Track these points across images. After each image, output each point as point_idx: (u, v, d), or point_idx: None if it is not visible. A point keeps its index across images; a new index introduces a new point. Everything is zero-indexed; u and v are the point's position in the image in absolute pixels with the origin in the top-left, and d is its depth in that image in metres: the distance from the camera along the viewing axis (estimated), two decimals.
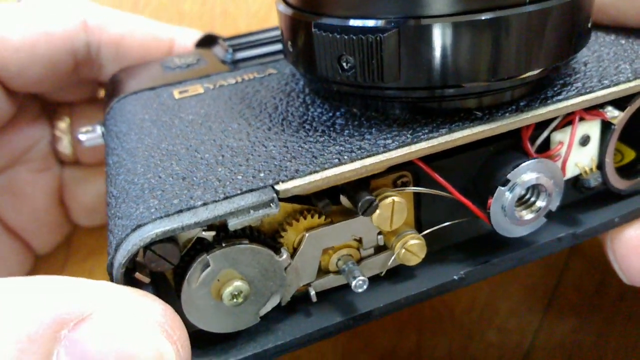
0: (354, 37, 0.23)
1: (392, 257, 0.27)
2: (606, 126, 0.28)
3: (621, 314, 0.50)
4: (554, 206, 0.28)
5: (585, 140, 0.28)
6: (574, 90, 0.26)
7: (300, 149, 0.25)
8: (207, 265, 0.23)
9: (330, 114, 0.27)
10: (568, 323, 0.52)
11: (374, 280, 0.28)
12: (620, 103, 0.28)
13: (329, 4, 0.24)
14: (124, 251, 0.21)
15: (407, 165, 0.26)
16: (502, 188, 0.26)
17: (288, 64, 0.34)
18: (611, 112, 0.28)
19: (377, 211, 0.25)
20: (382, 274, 0.28)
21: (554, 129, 0.28)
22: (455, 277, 0.28)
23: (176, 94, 0.32)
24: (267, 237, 0.25)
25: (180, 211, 0.22)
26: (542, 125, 0.28)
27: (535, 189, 0.27)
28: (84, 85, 0.42)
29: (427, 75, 0.24)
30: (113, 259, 0.22)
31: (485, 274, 0.28)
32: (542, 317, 0.52)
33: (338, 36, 0.24)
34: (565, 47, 0.25)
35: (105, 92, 0.39)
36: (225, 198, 0.22)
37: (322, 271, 0.27)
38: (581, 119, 0.28)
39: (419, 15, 0.23)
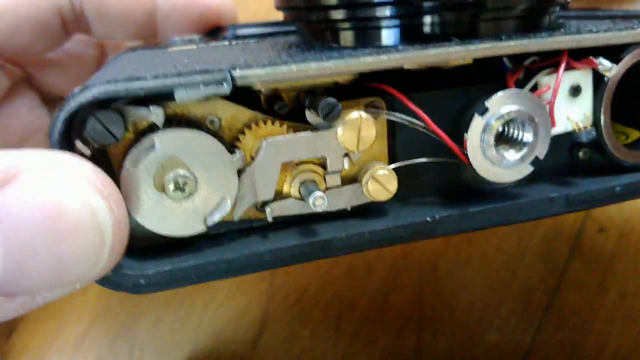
0: None
1: (360, 190, 0.25)
2: (599, 79, 0.27)
3: (621, 314, 0.49)
4: (541, 152, 0.26)
5: (575, 90, 0.27)
6: (560, 32, 0.26)
7: (269, 56, 0.24)
8: (152, 145, 0.22)
9: (309, 47, 0.27)
10: (568, 323, 0.50)
11: (339, 216, 0.26)
12: (613, 56, 0.26)
13: None
14: (64, 111, 0.21)
15: (382, 95, 0.25)
16: (480, 117, 0.24)
17: (285, 39, 0.35)
18: (604, 65, 0.26)
19: (342, 125, 0.24)
20: (349, 209, 0.26)
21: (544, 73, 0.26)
22: (428, 219, 0.25)
23: (170, 50, 0.33)
24: (225, 143, 0.24)
25: (130, 79, 0.21)
26: (532, 74, 0.27)
27: (517, 124, 0.25)
28: (78, 46, 0.43)
29: None
30: (54, 120, 0.21)
31: (463, 223, 0.26)
32: (542, 317, 0.50)
33: None
34: None
35: None
36: (179, 74, 0.22)
37: (283, 197, 0.25)
38: (571, 68, 0.26)
39: None
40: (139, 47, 0.38)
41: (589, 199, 0.27)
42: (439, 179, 0.27)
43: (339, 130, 0.24)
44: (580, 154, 0.28)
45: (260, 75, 0.22)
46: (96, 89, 0.21)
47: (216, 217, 0.23)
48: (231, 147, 0.24)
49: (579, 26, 0.27)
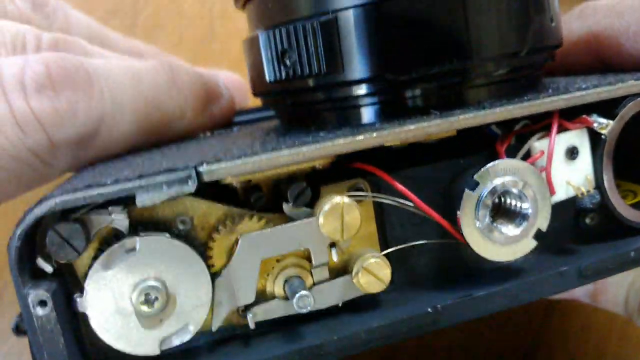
0: (292, 28, 0.23)
1: (351, 282, 0.23)
2: (596, 137, 0.25)
3: (621, 316, 0.45)
4: (542, 224, 0.24)
5: (572, 153, 0.25)
6: (547, 93, 0.24)
7: (237, 145, 0.23)
8: (131, 249, 0.20)
9: (283, 129, 0.26)
10: (569, 323, 0.48)
11: (332, 313, 0.23)
12: (608, 111, 0.25)
13: (269, 14, 0.25)
14: (22, 227, 0.19)
15: (364, 176, 0.24)
16: (472, 192, 0.23)
17: (267, 124, 0.34)
18: (599, 122, 0.25)
19: (323, 213, 0.22)
20: (340, 305, 0.23)
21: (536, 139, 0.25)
22: (429, 310, 0.23)
23: None
24: (199, 243, 0.22)
25: (89, 186, 0.20)
26: (524, 137, 0.25)
27: (513, 195, 0.23)
28: None
29: (374, 63, 0.23)
30: (11, 238, 0.19)
31: (468, 311, 0.23)
32: (542, 317, 0.49)
33: (278, 31, 0.24)
34: (543, 27, 0.24)
35: None
36: (140, 177, 0.20)
37: (267, 297, 0.23)
38: (564, 129, 0.25)
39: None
40: None
41: (602, 269, 0.25)
42: (436, 260, 0.25)
43: (320, 218, 0.22)
44: (587, 220, 0.26)
45: (229, 168, 0.21)
46: (52, 200, 0.19)
47: (175, 342, 0.21)
48: (205, 247, 0.22)
49: (567, 83, 0.26)
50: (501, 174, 0.23)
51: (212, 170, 0.20)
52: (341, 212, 0.22)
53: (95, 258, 0.21)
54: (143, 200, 0.20)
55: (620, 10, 0.28)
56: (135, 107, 0.27)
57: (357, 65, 0.23)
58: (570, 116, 0.25)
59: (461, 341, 0.48)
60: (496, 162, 0.23)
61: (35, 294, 0.19)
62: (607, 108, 0.25)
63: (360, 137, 0.22)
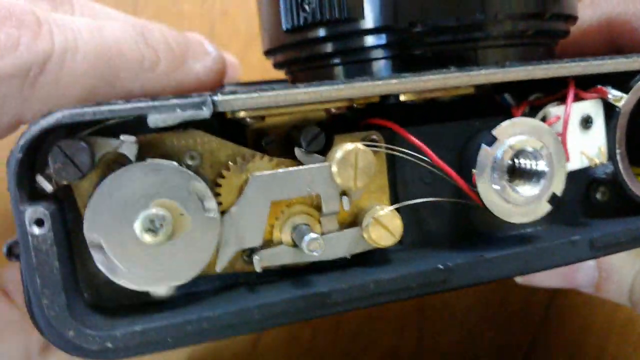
0: None
1: (360, 234, 0.22)
2: (610, 109, 0.25)
3: (621, 314, 0.48)
4: (558, 189, 0.23)
5: (586, 122, 0.25)
6: (565, 60, 0.24)
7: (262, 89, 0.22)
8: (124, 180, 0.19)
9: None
10: (568, 323, 0.48)
11: (338, 266, 0.23)
12: (622, 85, 0.25)
13: None
14: (25, 137, 0.18)
15: (378, 129, 0.23)
16: (489, 148, 0.22)
17: None
18: (613, 94, 0.25)
19: (337, 158, 0.21)
20: (349, 257, 0.22)
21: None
22: (440, 266, 0.22)
23: None
24: (207, 181, 0.21)
25: (99, 104, 0.19)
26: (536, 110, 0.25)
27: (529, 155, 0.23)
28: None
29: (395, 10, 0.22)
30: (13, 149, 0.18)
31: (479, 272, 0.23)
32: (542, 317, 0.48)
33: None
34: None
35: None
36: (153, 99, 0.19)
37: (273, 244, 0.22)
38: (579, 99, 0.25)
39: None
40: None
41: (614, 242, 0.24)
42: (447, 221, 0.24)
43: (334, 165, 0.21)
44: (598, 195, 0.26)
45: (245, 100, 0.20)
46: (60, 113, 0.18)
47: (190, 273, 0.20)
48: (213, 185, 0.21)
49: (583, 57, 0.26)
50: (519, 131, 0.22)
51: (227, 101, 0.20)
52: (355, 159, 0.22)
53: (98, 184, 0.20)
54: (155, 120, 0.19)
55: None
56: (91, 51, 0.26)
57: (378, 13, 0.23)
58: (585, 87, 0.25)
59: (461, 340, 0.48)
60: (515, 119, 0.22)
61: (33, 210, 0.18)
62: (622, 82, 0.25)
63: (379, 82, 0.21)
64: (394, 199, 0.24)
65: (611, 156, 0.25)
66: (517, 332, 0.48)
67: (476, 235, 0.25)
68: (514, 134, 0.22)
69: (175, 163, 0.20)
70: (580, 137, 0.25)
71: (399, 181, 0.24)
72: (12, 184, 0.18)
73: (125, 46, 0.28)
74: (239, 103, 0.20)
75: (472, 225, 0.25)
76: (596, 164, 0.25)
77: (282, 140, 0.23)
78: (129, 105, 0.19)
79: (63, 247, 0.19)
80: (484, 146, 0.22)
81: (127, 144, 0.20)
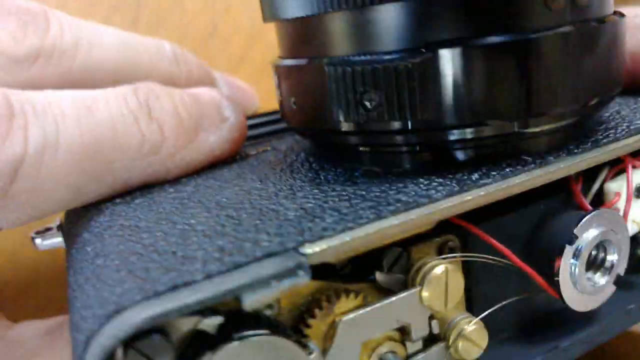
0: (379, 67, 0.19)
1: (448, 351, 0.21)
2: None
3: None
4: (622, 269, 0.23)
5: (639, 190, 0.24)
6: (620, 132, 0.23)
7: (321, 207, 0.19)
8: None
9: (347, 174, 0.23)
10: None
11: None
12: None
13: (343, 42, 0.21)
14: (96, 349, 0.14)
15: (451, 230, 0.21)
16: (570, 246, 0.21)
17: (282, 140, 0.30)
18: None
19: (427, 285, 0.19)
20: None
21: (605, 180, 0.24)
22: None
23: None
24: (289, 331, 0.18)
25: (175, 287, 0.15)
26: (588, 177, 0.24)
27: (601, 245, 0.22)
28: None
29: (467, 111, 0.20)
30: None
31: None
32: None
33: (359, 68, 0.20)
34: (611, 75, 0.22)
35: None
36: (236, 267, 0.16)
37: None
38: (633, 167, 0.24)
39: (460, 36, 0.19)
40: None
41: None
42: (512, 313, 0.24)
43: (425, 291, 0.19)
44: (638, 250, 0.26)
45: (337, 248, 0.17)
46: (137, 314, 0.14)
47: None
48: (295, 331, 0.19)
49: (630, 120, 0.25)
50: (593, 225, 0.22)
51: (316, 252, 0.17)
52: (446, 281, 0.20)
53: None
54: (252, 302, 0.16)
55: None
56: (76, 144, 0.22)
57: (454, 110, 0.20)
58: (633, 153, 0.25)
59: None
60: (592, 214, 0.21)
61: None
62: None
63: (469, 197, 0.19)
64: (468, 303, 0.22)
65: None
66: None
67: (539, 317, 0.24)
68: (591, 229, 0.22)
69: (265, 333, 0.17)
70: (633, 206, 0.25)
71: (472, 281, 0.22)
72: None
73: (121, 128, 0.24)
74: (330, 253, 0.17)
75: (534, 308, 0.24)
76: None
77: (353, 260, 0.20)
78: (219, 289, 0.15)
79: None
80: (567, 246, 0.21)
81: (210, 320, 0.16)
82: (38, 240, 0.27)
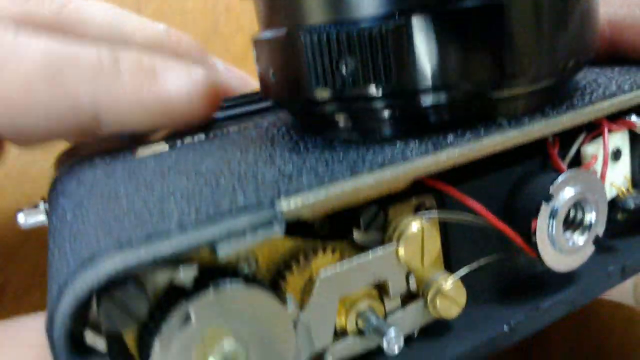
0: (353, 33, 0.20)
1: (426, 308, 0.21)
2: (635, 138, 0.25)
3: (622, 313, 0.49)
4: (600, 229, 0.23)
5: (616, 154, 0.25)
6: (596, 97, 0.24)
7: (299, 170, 0.20)
8: (187, 318, 0.16)
9: (326, 143, 0.23)
10: (569, 323, 0.49)
11: (405, 344, 0.22)
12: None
13: (318, 10, 0.21)
14: (70, 297, 0.15)
15: (428, 192, 0.22)
16: (546, 205, 0.22)
17: (265, 118, 0.31)
18: (638, 122, 0.25)
19: (404, 242, 0.20)
20: (416, 335, 0.22)
21: (582, 144, 0.24)
22: (505, 329, 0.22)
23: (137, 157, 0.27)
24: (266, 287, 0.19)
25: (150, 237, 0.16)
26: (566, 142, 0.25)
27: (578, 205, 0.23)
28: None
29: (441, 75, 0.20)
30: (54, 312, 0.15)
31: (536, 323, 0.23)
32: None
33: (334, 35, 0.20)
34: (585, 38, 0.23)
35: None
36: (211, 219, 0.16)
37: (338, 333, 0.21)
38: (609, 131, 0.25)
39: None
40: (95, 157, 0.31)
41: None
42: (491, 274, 0.24)
43: (401, 248, 0.20)
44: (619, 215, 0.27)
45: (314, 204, 0.17)
46: (110, 263, 0.15)
47: None
48: (274, 287, 0.19)
49: (606, 85, 0.25)
50: (571, 184, 0.22)
51: (293, 209, 0.17)
52: (422, 238, 0.20)
53: (151, 319, 0.17)
54: (226, 251, 0.16)
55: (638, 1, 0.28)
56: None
57: (428, 74, 0.20)
58: (608, 118, 0.25)
59: None
60: (567, 173, 0.22)
61: None
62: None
63: (444, 156, 0.20)
64: (447, 263, 0.23)
65: (635, 184, 0.26)
66: None
67: (519, 279, 0.25)
68: (568, 188, 0.22)
69: (239, 284, 0.17)
70: (610, 170, 0.25)
71: (450, 241, 0.23)
72: (60, 354, 0.15)
73: (83, 54, 0.25)
74: (307, 209, 0.17)
75: (514, 270, 0.25)
76: (624, 194, 0.25)
77: (331, 218, 0.21)
78: (193, 237, 0.16)
79: None
80: (543, 203, 0.22)
81: (187, 273, 0.17)
82: (21, 218, 0.28)
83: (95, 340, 0.16)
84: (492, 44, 0.21)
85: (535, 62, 0.21)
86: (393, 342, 0.19)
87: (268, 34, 0.24)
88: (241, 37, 0.45)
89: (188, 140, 0.28)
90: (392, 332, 0.19)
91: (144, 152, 0.27)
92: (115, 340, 0.17)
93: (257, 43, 0.25)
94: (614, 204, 0.26)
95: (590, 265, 0.25)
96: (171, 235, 0.16)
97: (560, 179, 0.22)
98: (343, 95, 0.22)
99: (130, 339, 0.17)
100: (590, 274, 0.24)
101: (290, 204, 0.17)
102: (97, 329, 0.16)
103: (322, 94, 0.22)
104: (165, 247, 0.15)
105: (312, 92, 0.22)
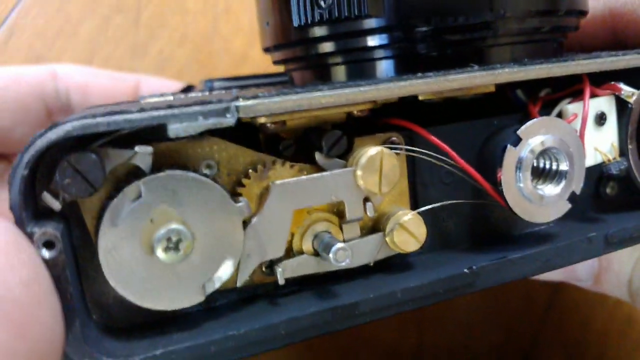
0: None
1: (384, 240, 0.21)
2: (623, 106, 0.25)
3: (621, 313, 0.48)
4: (577, 187, 0.23)
5: (600, 119, 0.25)
6: (580, 57, 0.24)
7: (269, 92, 0.21)
8: (137, 195, 0.18)
9: (311, 85, 0.24)
10: (569, 323, 0.49)
11: (362, 273, 0.22)
12: (634, 80, 0.25)
13: None
14: (32, 150, 0.16)
15: (399, 130, 0.22)
16: (514, 148, 0.22)
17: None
18: (626, 90, 0.25)
19: (362, 163, 0.20)
20: (372, 264, 0.22)
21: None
22: (465, 270, 0.21)
23: (144, 101, 0.30)
24: (226, 189, 0.20)
25: (111, 113, 0.17)
26: (552, 104, 0.25)
27: (551, 154, 0.23)
28: None
29: (416, 8, 0.21)
30: (16, 164, 0.17)
31: (503, 273, 0.22)
32: (542, 317, 0.49)
33: None
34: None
35: None
36: (170, 107, 0.18)
37: (295, 253, 0.21)
38: (593, 96, 0.25)
39: None
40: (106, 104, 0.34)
41: (627, 237, 0.24)
42: (466, 222, 0.24)
43: (359, 169, 0.20)
44: (608, 189, 0.26)
45: (268, 104, 0.19)
46: (70, 124, 0.16)
47: (217, 283, 0.19)
48: (232, 194, 0.20)
49: (592, 54, 0.25)
50: (542, 131, 0.22)
51: (249, 106, 0.18)
52: (380, 164, 0.21)
53: (109, 198, 0.18)
54: (176, 130, 0.17)
55: None
56: None
57: (396, 10, 0.21)
58: (596, 83, 0.25)
59: (462, 341, 0.48)
60: (538, 119, 0.22)
61: (42, 232, 0.17)
62: (633, 78, 0.25)
63: (404, 83, 0.20)
64: (413, 201, 0.23)
65: (623, 151, 0.25)
66: (517, 332, 0.48)
67: (495, 234, 0.24)
68: (537, 134, 0.22)
69: (193, 174, 0.18)
70: (594, 134, 0.25)
71: (418, 182, 0.23)
72: (16, 204, 0.16)
73: None
74: (262, 108, 0.19)
75: (490, 224, 0.24)
76: (609, 160, 0.25)
77: (298, 143, 0.22)
78: (146, 114, 0.17)
79: (73, 268, 0.18)
80: (509, 147, 0.22)
81: (142, 155, 0.18)
82: None
83: (52, 202, 0.17)
84: None
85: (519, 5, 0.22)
86: (340, 254, 0.19)
87: None
88: (241, 37, 0.46)
89: (191, 94, 0.30)
90: (339, 245, 0.20)
91: (150, 100, 0.29)
92: (74, 215, 0.18)
93: None
94: (602, 174, 0.25)
95: (571, 230, 0.25)
96: (129, 112, 0.17)
97: (530, 122, 0.22)
98: (324, 33, 0.23)
99: (89, 218, 0.18)
100: (569, 237, 0.24)
101: (247, 102, 0.18)
102: (55, 194, 0.17)
103: (305, 32, 0.23)
104: (120, 119, 0.17)
105: (297, 32, 0.24)
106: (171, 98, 0.29)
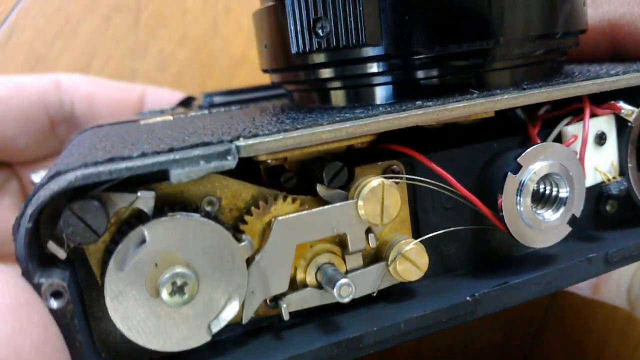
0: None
1: (386, 269, 0.22)
2: (622, 124, 0.25)
3: (621, 314, 0.49)
4: (577, 210, 0.23)
5: (601, 138, 0.25)
6: (580, 78, 0.24)
7: (269, 123, 0.21)
8: (142, 240, 0.18)
9: (305, 110, 0.24)
10: (569, 323, 0.49)
11: (365, 303, 0.22)
12: (633, 98, 0.25)
13: None
14: (35, 202, 0.16)
15: (399, 157, 0.22)
16: (514, 176, 0.22)
17: (269, 103, 0.32)
18: (626, 109, 0.25)
19: (363, 196, 0.20)
20: (375, 294, 0.22)
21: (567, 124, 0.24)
22: (468, 298, 0.22)
23: (142, 122, 0.29)
24: (227, 227, 0.20)
25: (112, 160, 0.17)
26: (552, 124, 0.25)
27: (552, 180, 0.23)
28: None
29: (414, 36, 0.21)
30: (21, 215, 0.17)
31: (505, 299, 0.22)
32: (542, 317, 0.49)
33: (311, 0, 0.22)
34: (569, 16, 0.23)
35: None
36: (171, 149, 0.18)
37: (299, 286, 0.21)
38: (593, 115, 0.24)
39: None
40: (105, 123, 0.34)
41: (627, 256, 0.25)
42: (465, 247, 0.24)
43: (360, 201, 0.21)
44: (608, 207, 0.26)
45: (269, 143, 0.19)
46: (72, 174, 0.16)
47: (223, 322, 0.19)
48: (235, 231, 0.20)
49: (591, 70, 0.25)
50: (542, 157, 0.22)
51: (250, 146, 0.18)
52: (382, 195, 0.21)
53: (113, 242, 0.18)
54: (179, 177, 0.17)
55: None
56: None
57: (395, 39, 0.21)
58: (595, 103, 0.25)
59: (461, 341, 0.48)
60: (538, 145, 0.22)
61: (50, 283, 0.17)
62: (632, 96, 0.25)
63: (404, 115, 0.20)
64: (415, 228, 0.23)
65: (623, 171, 0.25)
66: (517, 332, 0.49)
67: (494, 258, 0.25)
68: (537, 160, 0.22)
69: (196, 215, 0.18)
70: (594, 154, 0.25)
71: (420, 208, 0.23)
72: (22, 256, 0.17)
73: None
74: (262, 147, 0.18)
75: (490, 247, 0.25)
76: (609, 180, 0.25)
77: (299, 174, 0.22)
78: (148, 161, 0.17)
79: (80, 314, 0.18)
80: (510, 174, 0.22)
81: (144, 199, 0.18)
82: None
83: (57, 251, 0.17)
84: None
85: (520, 26, 0.22)
86: (344, 289, 0.20)
87: (262, 5, 0.25)
88: (241, 37, 0.46)
89: (190, 114, 0.30)
90: (343, 280, 0.20)
91: (149, 120, 0.29)
92: (78, 257, 0.18)
93: (254, 16, 0.27)
94: (601, 194, 0.25)
95: (571, 250, 0.25)
96: (131, 160, 0.17)
97: (529, 149, 0.22)
98: (320, 60, 0.23)
99: (94, 261, 0.19)
100: (570, 259, 0.24)
101: (248, 142, 0.18)
102: (60, 242, 0.17)
103: (302, 59, 0.23)
104: (121, 165, 0.17)
105: (293, 57, 0.24)
106: (170, 118, 0.29)
